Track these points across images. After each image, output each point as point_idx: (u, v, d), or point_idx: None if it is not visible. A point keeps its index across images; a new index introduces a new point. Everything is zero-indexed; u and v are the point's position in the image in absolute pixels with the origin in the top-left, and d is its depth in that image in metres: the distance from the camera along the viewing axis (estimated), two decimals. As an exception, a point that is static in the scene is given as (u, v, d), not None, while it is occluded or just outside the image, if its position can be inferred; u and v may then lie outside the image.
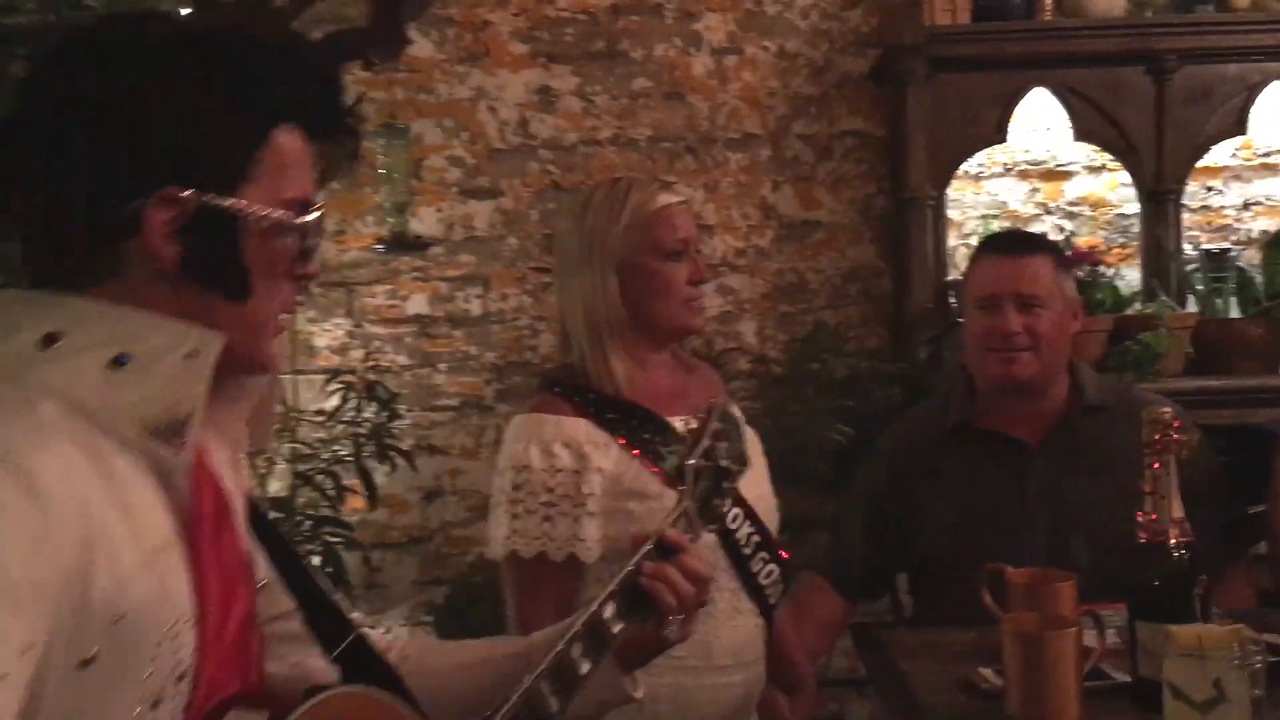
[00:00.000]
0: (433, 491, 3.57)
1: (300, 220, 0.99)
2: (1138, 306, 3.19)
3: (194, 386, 0.92)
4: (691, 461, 1.44)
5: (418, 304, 3.57)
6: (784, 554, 1.90)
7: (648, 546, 1.31)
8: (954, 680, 1.70)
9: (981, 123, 3.32)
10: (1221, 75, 3.27)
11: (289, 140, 0.98)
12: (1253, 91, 3.27)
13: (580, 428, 1.78)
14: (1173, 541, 1.53)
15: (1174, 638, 1.38)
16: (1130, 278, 3.39)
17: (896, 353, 3.40)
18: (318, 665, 1.09)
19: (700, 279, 1.87)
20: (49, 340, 0.89)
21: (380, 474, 3.20)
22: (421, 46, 3.48)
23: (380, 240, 3.28)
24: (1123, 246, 3.48)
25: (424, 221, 3.51)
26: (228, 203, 0.94)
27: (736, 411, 1.75)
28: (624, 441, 1.78)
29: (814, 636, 2.23)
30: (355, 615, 1.18)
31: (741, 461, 1.52)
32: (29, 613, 0.81)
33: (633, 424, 1.80)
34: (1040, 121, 3.43)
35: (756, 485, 1.88)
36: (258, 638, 1.03)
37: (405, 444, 3.32)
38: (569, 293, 1.86)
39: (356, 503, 3.21)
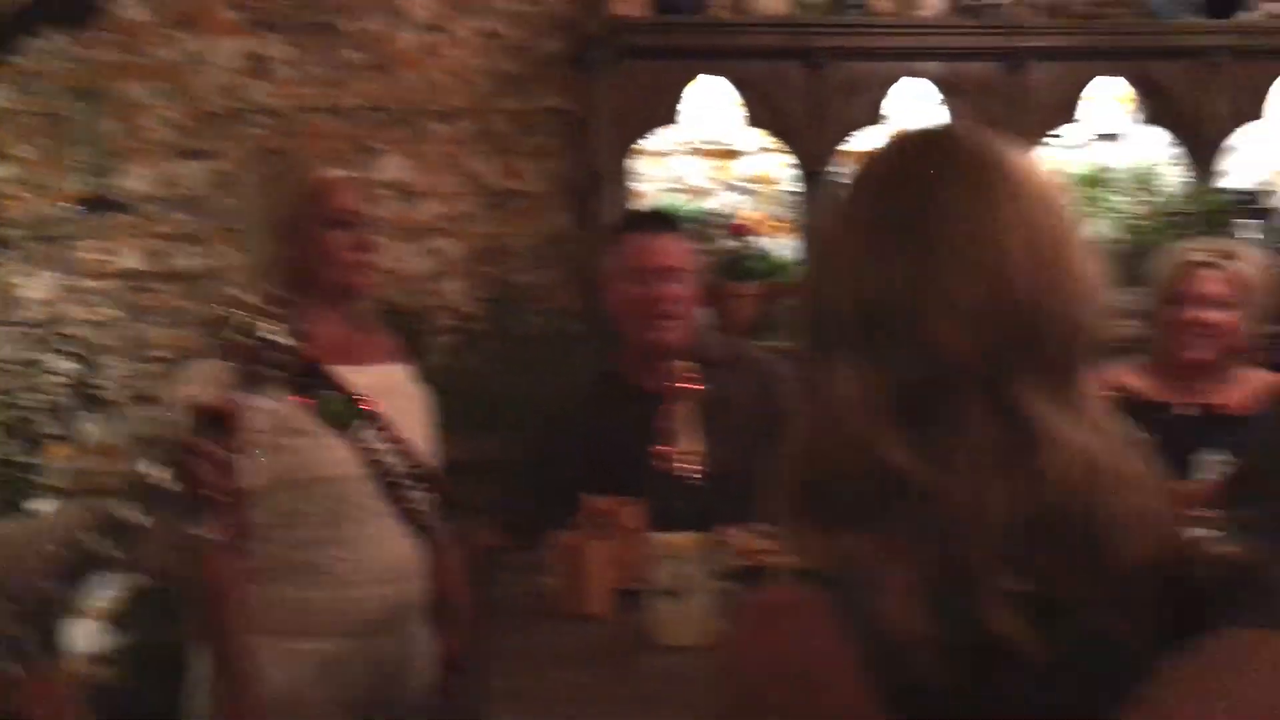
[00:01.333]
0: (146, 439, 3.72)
1: None
2: (788, 274, 3.62)
3: None
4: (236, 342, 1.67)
5: (130, 259, 3.70)
6: (440, 485, 2.19)
7: (195, 414, 1.54)
8: (530, 588, 2.04)
9: (660, 105, 3.67)
10: (866, 71, 3.72)
11: None
12: (887, 86, 3.73)
13: None
14: (678, 469, 1.90)
15: (654, 543, 1.74)
16: (795, 247, 3.83)
17: (585, 313, 3.74)
18: None
19: (362, 246, 2.10)
20: None
21: (92, 422, 3.35)
22: (134, 10, 3.59)
23: (83, 200, 3.40)
24: (785, 220, 3.91)
25: (137, 180, 3.64)
26: None
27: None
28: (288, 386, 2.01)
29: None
30: None
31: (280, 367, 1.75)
32: None
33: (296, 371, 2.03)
34: (717, 105, 3.82)
35: (417, 426, 2.18)
36: None
37: (120, 394, 3.48)
38: (249, 255, 2.12)
39: (61, 449, 3.35)
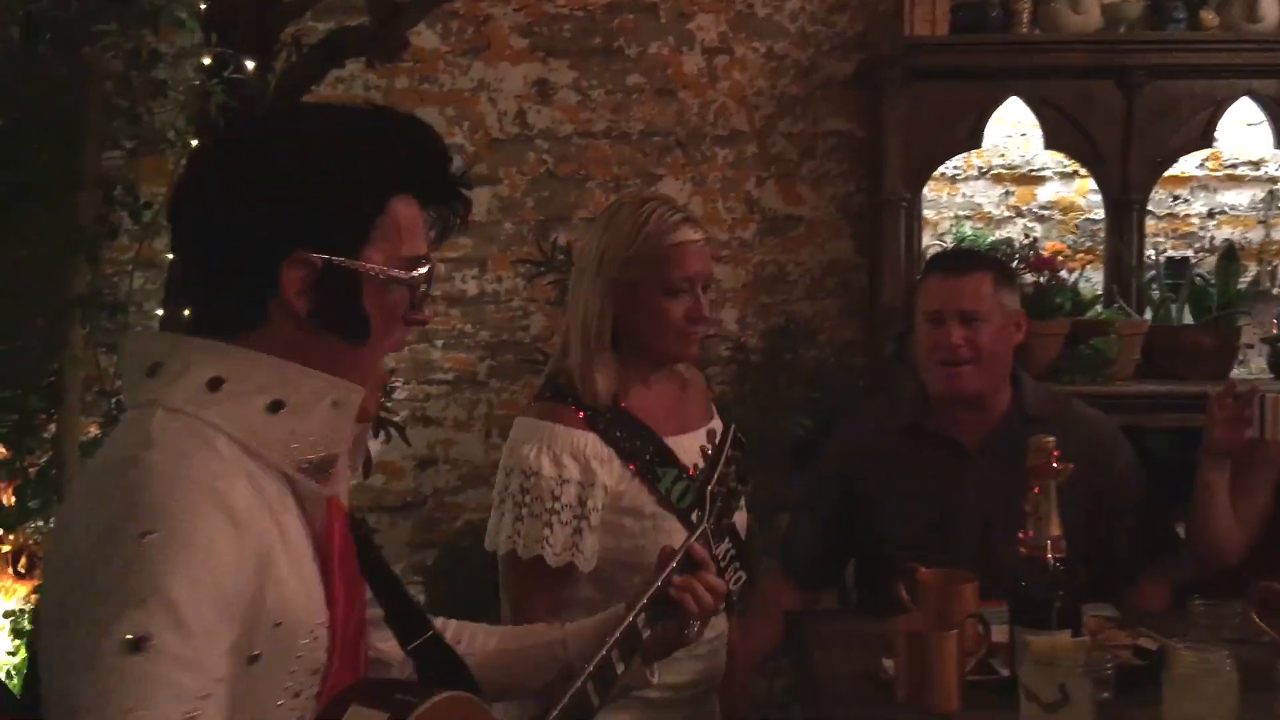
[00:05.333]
0: (426, 460, 3.78)
1: (411, 275, 1.17)
2: (1097, 311, 3.35)
3: (340, 431, 1.12)
4: (710, 487, 1.64)
5: (417, 283, 3.76)
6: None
7: (674, 564, 1.52)
8: (858, 668, 1.90)
9: (956, 129, 3.46)
10: (1189, 90, 3.40)
11: (404, 208, 1.16)
12: (1219, 107, 3.40)
13: (589, 442, 1.87)
14: (1047, 558, 1.72)
15: (1029, 646, 1.57)
16: (1095, 282, 3.55)
17: (868, 347, 3.58)
18: (391, 648, 1.32)
19: (698, 317, 1.92)
20: (215, 383, 1.09)
21: (376, 443, 3.42)
22: (425, 38, 3.65)
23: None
24: (1088, 251, 3.63)
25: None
26: (350, 263, 1.13)
27: None
28: (625, 460, 1.89)
29: (773, 629, 2.39)
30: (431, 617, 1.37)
31: (746, 481, 1.72)
32: (232, 619, 1.01)
33: (636, 444, 1.90)
34: (1015, 128, 3.58)
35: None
36: (367, 634, 1.24)
37: (401, 415, 3.54)
38: (575, 299, 1.95)
39: (363, 467, 3.42)
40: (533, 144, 3.75)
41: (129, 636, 0.94)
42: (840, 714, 1.75)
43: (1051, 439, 1.77)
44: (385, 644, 1.32)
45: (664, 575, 1.49)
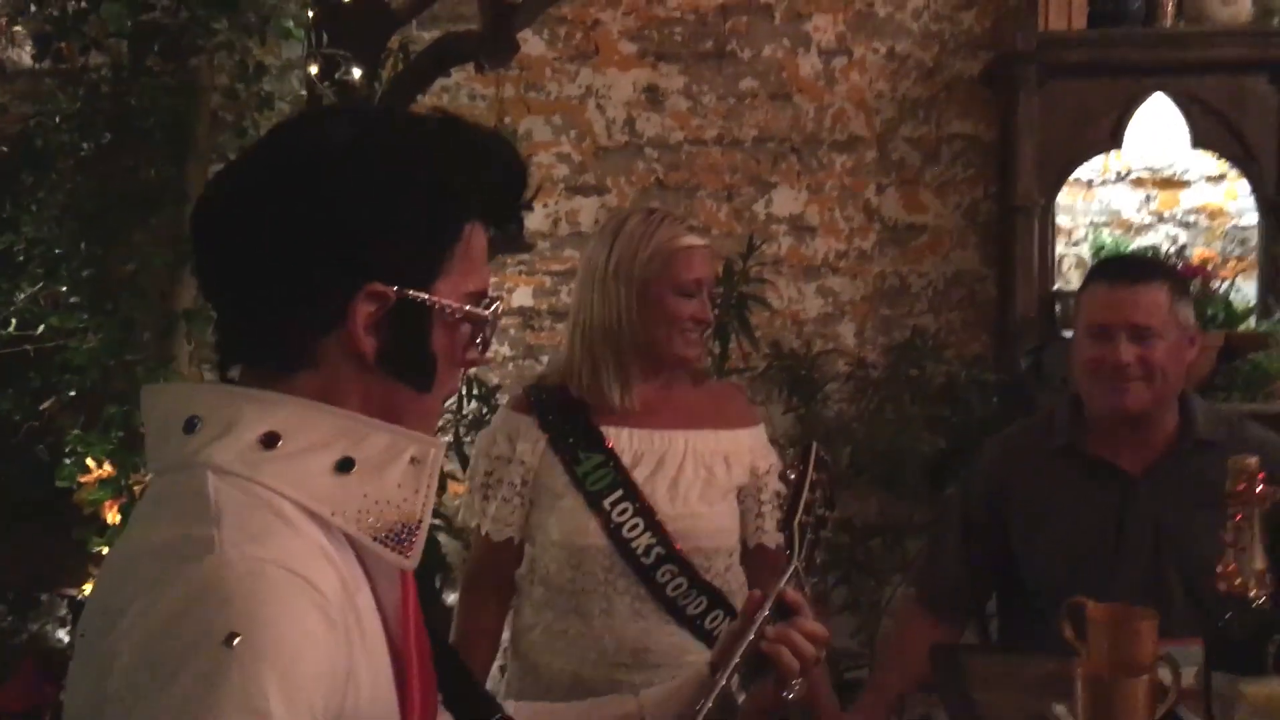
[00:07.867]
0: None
1: (484, 312, 0.99)
2: (1251, 323, 3.11)
3: (422, 492, 0.93)
4: (799, 519, 1.46)
5: (522, 296, 3.66)
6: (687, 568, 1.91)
7: (765, 610, 1.31)
8: (1027, 714, 1.71)
9: (1095, 129, 3.26)
10: (1352, 85, 3.16)
11: (477, 235, 0.98)
12: (1384, 103, 3.14)
13: (521, 422, 1.96)
14: (1251, 594, 1.52)
15: (1244, 695, 1.37)
16: (1247, 292, 3.30)
17: (997, 362, 3.37)
18: None
19: (701, 320, 1.95)
20: (270, 440, 0.90)
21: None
22: (533, 45, 3.55)
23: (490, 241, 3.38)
24: (1240, 259, 3.38)
25: (531, 218, 3.59)
26: (424, 297, 0.95)
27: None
28: (551, 441, 1.93)
29: (914, 663, 2.22)
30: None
31: (833, 506, 1.54)
32: None
33: (565, 427, 1.94)
34: (1156, 128, 3.35)
35: (714, 498, 1.94)
36: None
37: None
38: (583, 304, 1.96)
39: (457, 488, 3.31)
40: (642, 153, 3.62)
41: None
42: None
43: (1255, 460, 1.56)
44: None
45: (755, 627, 1.28)
